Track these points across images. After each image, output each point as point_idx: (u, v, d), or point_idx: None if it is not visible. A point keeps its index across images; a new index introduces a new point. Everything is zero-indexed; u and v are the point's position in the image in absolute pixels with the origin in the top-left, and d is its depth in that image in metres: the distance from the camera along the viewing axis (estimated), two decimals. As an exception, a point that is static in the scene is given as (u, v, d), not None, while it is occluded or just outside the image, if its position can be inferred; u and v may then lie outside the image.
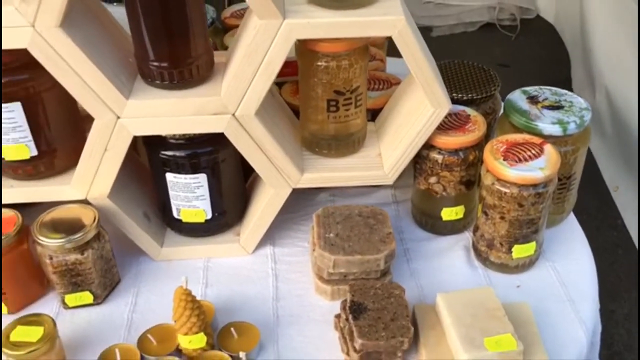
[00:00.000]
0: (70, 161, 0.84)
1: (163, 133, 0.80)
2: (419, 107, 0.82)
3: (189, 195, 0.86)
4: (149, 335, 0.77)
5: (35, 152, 0.80)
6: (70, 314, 0.83)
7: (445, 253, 0.91)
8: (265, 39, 0.72)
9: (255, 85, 0.75)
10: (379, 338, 0.72)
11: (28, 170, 0.82)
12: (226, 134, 0.79)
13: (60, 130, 0.82)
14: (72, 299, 0.82)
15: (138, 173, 0.93)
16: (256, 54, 0.73)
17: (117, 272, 0.87)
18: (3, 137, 0.78)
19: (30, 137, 0.79)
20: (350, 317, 0.74)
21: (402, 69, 0.85)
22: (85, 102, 0.75)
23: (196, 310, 0.73)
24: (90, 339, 0.80)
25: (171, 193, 0.86)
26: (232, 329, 0.78)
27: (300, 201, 0.99)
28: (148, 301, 0.85)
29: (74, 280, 0.81)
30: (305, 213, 0.99)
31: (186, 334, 0.73)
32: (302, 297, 0.85)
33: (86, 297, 0.83)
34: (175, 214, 0.88)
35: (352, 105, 0.82)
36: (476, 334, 0.72)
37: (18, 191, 0.83)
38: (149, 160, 0.86)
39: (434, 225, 0.93)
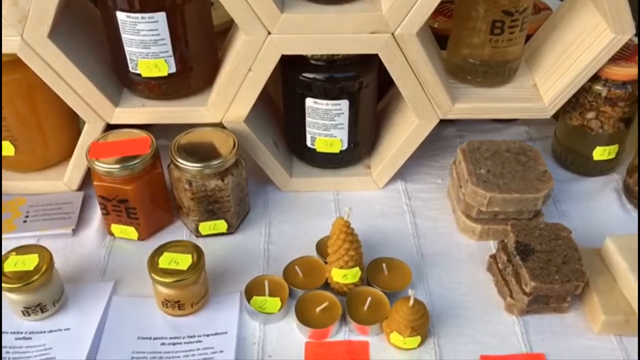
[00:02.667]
0: (204, 81, 0.79)
1: (315, 53, 0.74)
2: (592, 33, 0.74)
3: (328, 123, 0.80)
4: (296, 267, 0.73)
5: (173, 69, 0.74)
6: (202, 243, 0.78)
7: (595, 195, 0.85)
8: (446, -53, 0.64)
9: (424, 1, 0.68)
10: (553, 281, 0.66)
11: (165, 88, 0.76)
12: (380, 56, 0.73)
13: (198, 47, 0.75)
14: (206, 227, 0.78)
15: (264, 99, 0.87)
16: (432, -36, 0.65)
17: (248, 201, 0.82)
18: (143, 50, 0.72)
19: (170, 52, 0.73)
20: (517, 258, 0.69)
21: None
22: (237, 14, 0.68)
23: (355, 244, 0.68)
24: (228, 268, 0.76)
25: (308, 120, 0.80)
26: (383, 264, 0.73)
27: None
28: (282, 232, 0.81)
29: (210, 207, 0.77)
30: (434, 148, 0.93)
31: (342, 267, 0.69)
32: (445, 236, 0.80)
33: (221, 225, 0.78)
34: (308, 143, 0.83)
35: (517, 29, 0.75)
36: (657, 282, 0.67)
37: (150, 111, 0.78)
38: (285, 84, 0.80)
39: (581, 165, 0.86)
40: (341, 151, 0.83)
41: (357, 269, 0.69)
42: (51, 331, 0.69)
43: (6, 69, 0.75)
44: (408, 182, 0.88)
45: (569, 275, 0.67)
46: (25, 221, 0.81)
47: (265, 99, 0.87)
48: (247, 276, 0.74)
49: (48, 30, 0.69)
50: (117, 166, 0.73)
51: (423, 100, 0.77)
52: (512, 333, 0.69)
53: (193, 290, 0.69)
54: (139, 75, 0.75)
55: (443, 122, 0.95)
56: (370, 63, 0.77)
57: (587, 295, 0.70)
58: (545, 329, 0.69)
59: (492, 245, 0.79)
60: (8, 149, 0.81)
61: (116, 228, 0.79)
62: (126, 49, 0.72)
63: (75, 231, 0.81)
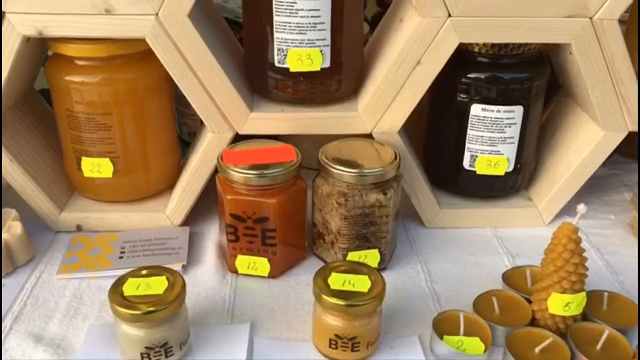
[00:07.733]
0: (353, 84, 0.67)
1: (495, 41, 0.62)
2: None
3: (495, 136, 0.67)
4: (493, 299, 0.56)
5: (327, 63, 0.62)
6: (347, 281, 0.62)
7: None
8: None
9: (636, -25, 0.59)
10: None
11: (316, 88, 0.63)
12: (574, 46, 0.62)
13: (351, 39, 0.64)
14: (354, 258, 0.62)
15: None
16: None
17: (397, 233, 0.67)
18: (297, 37, 0.60)
19: (328, 41, 0.61)
20: None
21: None
22: (419, -13, 0.58)
23: (584, 259, 0.53)
24: (389, 310, 0.59)
25: (470, 133, 0.68)
26: (605, 294, 0.57)
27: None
28: (444, 270, 0.65)
29: (364, 231, 0.61)
30: (590, 187, 0.80)
31: (565, 291, 0.53)
32: (648, 272, 0.65)
33: (373, 257, 0.62)
34: (466, 164, 0.69)
35: None
36: None
37: (290, 118, 0.64)
38: (441, 89, 0.68)
39: None
40: (506, 174, 0.70)
41: (583, 294, 0.53)
42: (177, 383, 0.51)
43: (115, 66, 0.63)
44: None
45: None
46: (121, 257, 0.65)
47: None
48: (415, 318, 0.57)
49: (191, 5, 0.58)
50: (256, 172, 0.59)
51: (613, 105, 0.65)
52: None
53: (372, 324, 0.52)
54: (286, 70, 0.62)
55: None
56: (542, 63, 0.66)
57: None
58: None
59: None
60: (107, 169, 0.67)
61: (242, 261, 0.62)
62: (276, 35, 0.61)
63: (185, 268, 0.64)
